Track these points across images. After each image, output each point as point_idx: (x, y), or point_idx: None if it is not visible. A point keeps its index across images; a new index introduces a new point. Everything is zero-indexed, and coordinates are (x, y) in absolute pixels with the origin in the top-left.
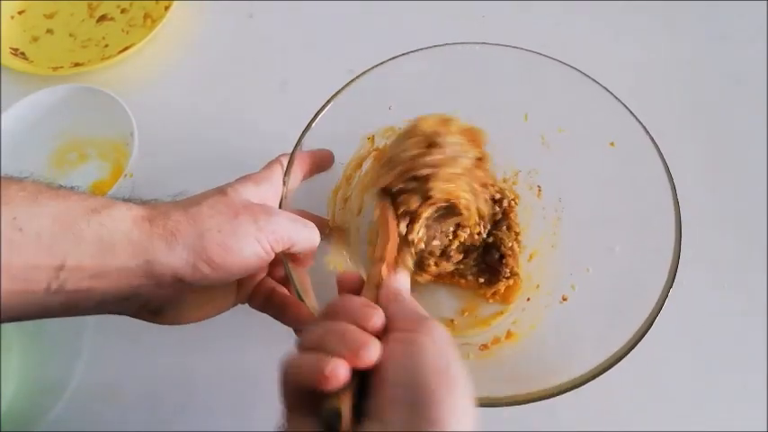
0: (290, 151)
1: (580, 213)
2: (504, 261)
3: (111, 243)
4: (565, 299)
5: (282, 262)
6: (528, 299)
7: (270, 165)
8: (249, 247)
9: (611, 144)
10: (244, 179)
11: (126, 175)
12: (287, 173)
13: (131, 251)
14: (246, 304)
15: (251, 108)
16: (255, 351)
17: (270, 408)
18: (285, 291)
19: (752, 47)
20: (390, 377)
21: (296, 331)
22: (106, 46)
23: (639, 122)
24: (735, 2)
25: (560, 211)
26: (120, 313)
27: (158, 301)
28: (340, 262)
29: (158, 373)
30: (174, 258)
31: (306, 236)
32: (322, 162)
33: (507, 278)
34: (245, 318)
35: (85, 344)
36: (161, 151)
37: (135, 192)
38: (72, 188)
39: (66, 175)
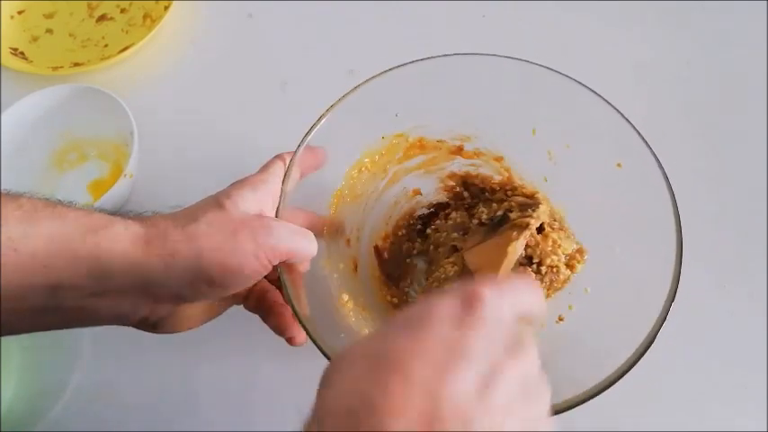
0: (289, 151)
1: (582, 232)
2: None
3: (109, 264)
4: (561, 319)
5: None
6: None
7: (268, 165)
8: (248, 264)
9: (618, 165)
10: (240, 185)
11: (126, 175)
12: (285, 178)
13: (129, 272)
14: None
15: (251, 108)
16: (255, 352)
17: (270, 408)
18: (277, 295)
19: (752, 47)
20: None
21: (287, 339)
22: (106, 46)
23: (648, 146)
24: (735, 2)
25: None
26: (117, 325)
27: (156, 316)
28: (334, 264)
29: (158, 373)
30: (172, 280)
31: (304, 247)
32: (317, 161)
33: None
34: (245, 319)
35: (85, 344)
36: (161, 151)
37: (135, 192)
38: (70, 203)
39: (66, 175)
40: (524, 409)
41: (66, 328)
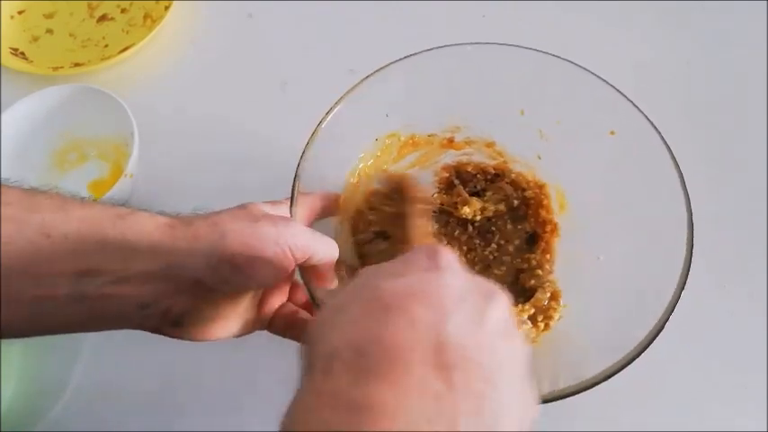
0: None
1: (583, 209)
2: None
3: (134, 246)
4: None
5: (302, 286)
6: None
7: (286, 199)
8: (269, 248)
9: (612, 133)
10: (260, 202)
11: (126, 175)
12: (291, 204)
13: (153, 254)
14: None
15: (251, 108)
16: (255, 352)
17: (269, 408)
18: (307, 315)
19: (752, 47)
20: None
21: None
22: (106, 46)
23: (637, 108)
24: (735, 2)
25: (564, 207)
26: (140, 327)
27: (179, 309)
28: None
29: (158, 373)
30: (194, 261)
31: (324, 246)
32: (330, 204)
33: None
34: None
35: (85, 344)
36: (161, 151)
37: (135, 192)
38: (95, 199)
39: (66, 175)
40: (508, 346)
41: (91, 326)
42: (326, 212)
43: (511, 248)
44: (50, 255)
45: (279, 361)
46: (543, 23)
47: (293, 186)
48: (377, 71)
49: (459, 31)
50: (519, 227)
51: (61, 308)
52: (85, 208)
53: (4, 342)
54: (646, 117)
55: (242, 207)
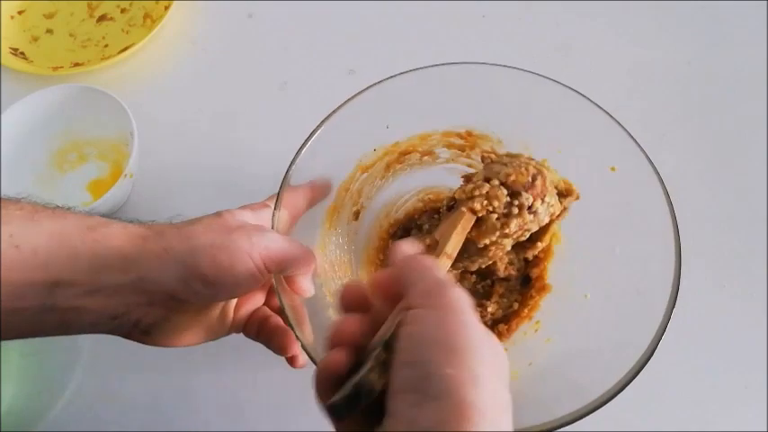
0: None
1: (580, 239)
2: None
3: (105, 259)
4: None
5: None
6: (524, 332)
7: (270, 198)
8: (241, 262)
9: (612, 169)
10: (241, 207)
11: (126, 175)
12: (276, 209)
13: (124, 267)
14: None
15: (251, 108)
16: (254, 352)
17: (268, 409)
18: (279, 320)
19: (752, 47)
20: (396, 359)
21: (287, 360)
22: (106, 46)
23: (641, 148)
24: (735, 2)
25: (559, 239)
26: (111, 333)
27: (150, 319)
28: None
29: (158, 374)
30: (165, 274)
31: (301, 256)
32: (317, 194)
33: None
34: None
35: (85, 344)
36: (161, 151)
37: (135, 192)
38: (69, 208)
39: (66, 175)
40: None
41: (62, 333)
42: (316, 201)
43: (502, 288)
44: (20, 266)
45: (279, 361)
46: (543, 24)
47: (280, 190)
48: (381, 81)
49: (459, 31)
50: (517, 259)
51: (32, 317)
52: (57, 219)
53: (4, 342)
54: (647, 158)
55: (217, 216)
